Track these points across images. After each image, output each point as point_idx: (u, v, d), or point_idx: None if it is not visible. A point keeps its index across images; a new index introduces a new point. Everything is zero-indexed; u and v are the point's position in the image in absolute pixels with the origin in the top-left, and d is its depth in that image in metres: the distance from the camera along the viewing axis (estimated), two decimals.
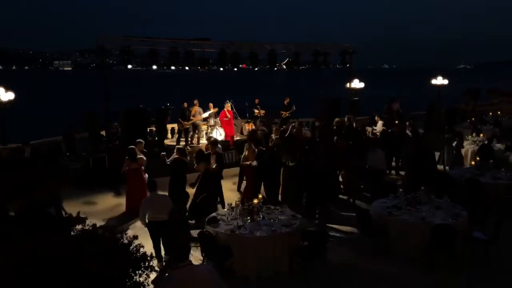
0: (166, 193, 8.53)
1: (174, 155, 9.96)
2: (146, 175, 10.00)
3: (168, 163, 10.26)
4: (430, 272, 6.75)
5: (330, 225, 8.62)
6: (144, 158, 10.09)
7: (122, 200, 10.27)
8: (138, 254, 4.05)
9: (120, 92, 30.39)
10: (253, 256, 6.60)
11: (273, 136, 12.62)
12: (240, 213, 7.31)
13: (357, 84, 18.86)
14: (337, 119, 14.69)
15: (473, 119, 17.04)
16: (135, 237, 4.25)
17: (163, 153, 11.86)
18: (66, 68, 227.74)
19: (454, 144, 12.54)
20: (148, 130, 14.22)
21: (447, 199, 7.94)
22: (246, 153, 10.57)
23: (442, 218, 7.25)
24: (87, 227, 4.28)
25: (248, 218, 7.12)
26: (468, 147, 13.00)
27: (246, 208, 7.30)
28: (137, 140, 10.53)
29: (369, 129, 15.42)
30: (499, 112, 18.91)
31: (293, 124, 14.57)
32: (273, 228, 6.86)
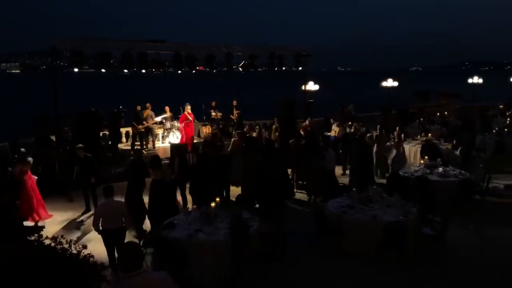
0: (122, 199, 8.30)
1: (132, 159, 9.74)
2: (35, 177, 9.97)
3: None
4: (385, 270, 6.91)
5: (287, 225, 8.67)
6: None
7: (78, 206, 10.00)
8: (89, 264, 3.91)
9: (71, 95, 29.33)
10: (211, 259, 6.54)
11: (233, 139, 12.53)
12: (197, 217, 7.24)
13: (312, 86, 19.21)
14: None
15: (421, 119, 17.72)
16: (85, 247, 4.11)
17: (119, 169, 11.35)
18: (14, 71, 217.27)
19: (393, 143, 12.97)
20: (101, 134, 13.81)
21: (398, 197, 8.21)
22: None
23: (393, 216, 7.48)
24: (33, 239, 4.10)
25: (206, 222, 7.05)
26: (418, 146, 13.48)
27: (204, 212, 7.24)
28: (78, 146, 10.20)
29: (336, 129, 15.28)
30: (446, 113, 19.80)
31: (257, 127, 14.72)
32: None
